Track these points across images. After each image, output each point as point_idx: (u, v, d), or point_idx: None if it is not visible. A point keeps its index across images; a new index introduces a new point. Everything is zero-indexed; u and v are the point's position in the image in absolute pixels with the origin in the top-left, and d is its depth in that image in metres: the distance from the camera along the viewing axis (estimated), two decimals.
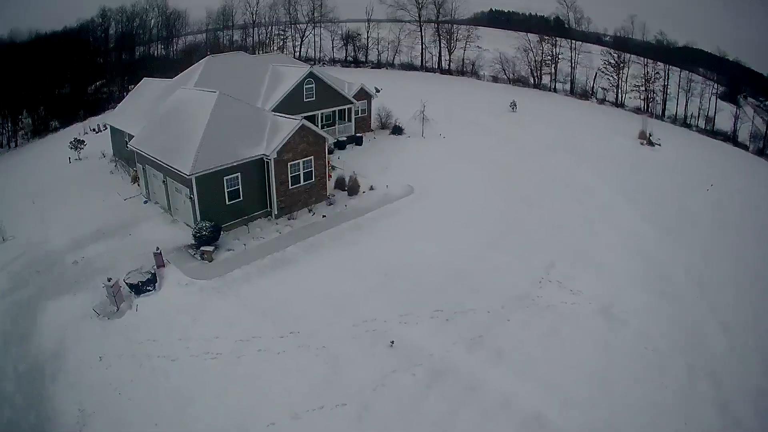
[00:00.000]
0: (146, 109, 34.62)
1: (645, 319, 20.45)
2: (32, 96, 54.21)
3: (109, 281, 21.51)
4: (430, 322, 18.62)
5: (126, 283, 22.49)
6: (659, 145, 42.02)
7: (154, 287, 22.70)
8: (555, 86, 71.48)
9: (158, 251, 23.93)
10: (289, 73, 37.11)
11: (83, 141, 37.75)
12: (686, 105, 61.36)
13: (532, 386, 16.42)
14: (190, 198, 25.75)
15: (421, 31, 79.06)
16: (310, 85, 36.98)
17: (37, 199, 33.16)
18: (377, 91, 44.76)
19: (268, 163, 27.43)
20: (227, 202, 26.69)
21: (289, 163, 28.25)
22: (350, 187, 30.61)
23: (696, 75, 65.55)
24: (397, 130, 41.83)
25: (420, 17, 78.91)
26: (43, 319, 21.48)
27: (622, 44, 70.53)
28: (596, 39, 77.74)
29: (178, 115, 29.40)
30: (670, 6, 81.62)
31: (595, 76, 68.28)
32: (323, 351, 17.72)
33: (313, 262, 23.82)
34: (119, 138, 36.17)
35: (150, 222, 28.28)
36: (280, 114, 30.07)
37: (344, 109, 39.82)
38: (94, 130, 45.89)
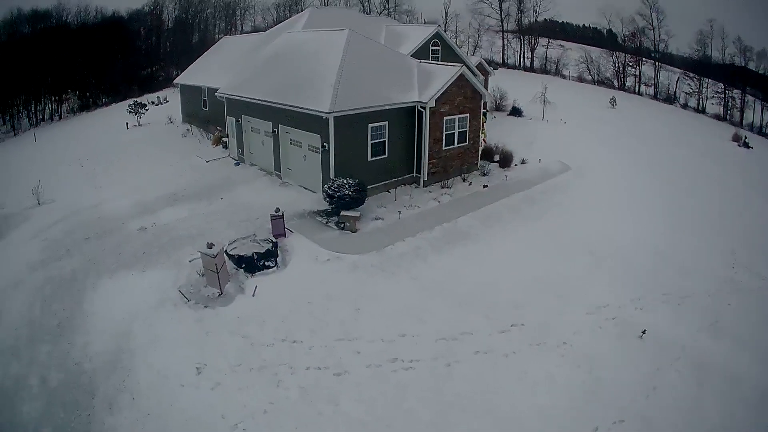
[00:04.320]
0: (231, 63, 27.84)
1: None
2: (80, 75, 48.11)
3: (211, 248, 13.04)
4: (664, 308, 15.09)
5: (230, 256, 14.05)
6: (751, 147, 41.98)
7: (276, 263, 14.21)
8: (639, 89, 67.89)
9: (279, 213, 15.55)
10: (408, 32, 30.22)
11: (145, 105, 30.19)
12: (762, 113, 60.45)
13: None
14: (323, 147, 17.99)
15: (502, 25, 73.63)
16: (436, 47, 29.78)
17: (86, 163, 25.45)
18: (494, 68, 38.00)
19: (421, 113, 19.96)
20: (369, 158, 19.02)
21: (444, 117, 20.86)
22: (503, 158, 24.23)
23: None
24: (516, 112, 37.32)
25: (501, 10, 73.59)
26: (93, 304, 13.62)
27: (699, 67, 67.85)
28: (669, 56, 73.71)
29: (292, 57, 22.30)
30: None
31: (678, 80, 66.53)
32: (568, 349, 12.66)
33: (498, 237, 17.53)
34: (194, 98, 29.16)
35: (249, 185, 20.35)
36: (428, 60, 22.51)
37: None
38: (153, 102, 38.80)
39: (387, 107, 18.92)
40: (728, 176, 30.18)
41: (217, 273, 13.09)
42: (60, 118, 44.80)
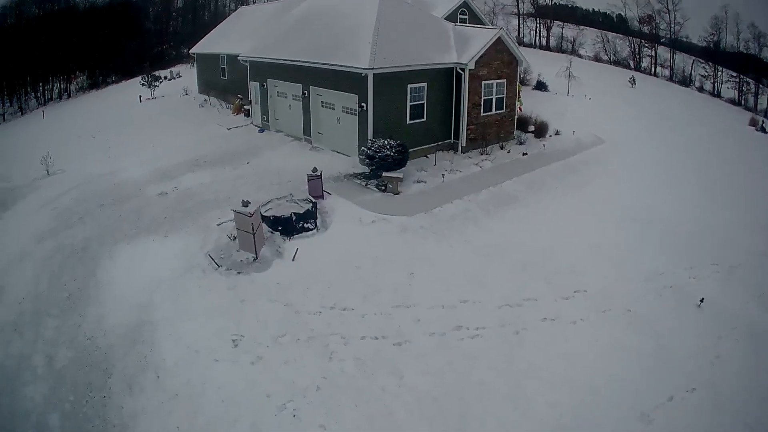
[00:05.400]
0: (252, 30, 26.33)
1: None
2: (89, 56, 46.76)
3: (246, 206, 11.51)
4: (715, 276, 14.88)
5: (265, 218, 12.53)
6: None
7: (315, 225, 12.68)
8: (655, 70, 66.79)
9: (317, 174, 14.06)
10: (435, 1, 28.39)
11: (159, 77, 28.68)
12: None
13: None
14: (360, 107, 16.61)
15: (518, 7, 72.33)
16: (464, 16, 28.41)
17: (98, 135, 24.01)
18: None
19: (460, 75, 18.63)
20: (408, 121, 17.66)
21: (483, 81, 19.49)
22: (538, 129, 23.29)
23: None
24: (541, 86, 36.50)
25: None
26: (109, 273, 12.16)
27: (712, 54, 66.65)
28: (681, 42, 71.94)
29: (323, 19, 20.93)
30: None
31: (693, 63, 65.73)
32: (632, 317, 12.20)
33: (545, 203, 16.90)
34: (211, 67, 27.88)
35: (276, 150, 18.99)
36: (464, 24, 21.19)
37: None
38: (166, 77, 37.43)
39: (427, 67, 17.62)
40: (751, 156, 30.06)
41: (253, 234, 11.56)
42: (69, 96, 43.54)
